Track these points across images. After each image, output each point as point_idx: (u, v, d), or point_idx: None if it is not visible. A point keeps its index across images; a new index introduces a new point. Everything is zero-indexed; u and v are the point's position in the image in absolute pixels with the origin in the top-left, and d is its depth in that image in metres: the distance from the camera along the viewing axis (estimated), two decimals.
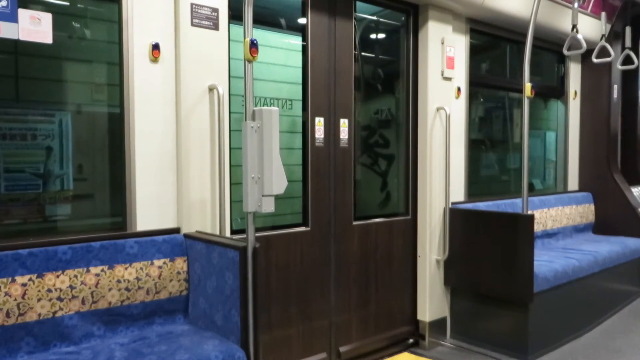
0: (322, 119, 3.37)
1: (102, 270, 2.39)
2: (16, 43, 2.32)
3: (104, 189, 2.72)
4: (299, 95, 3.35)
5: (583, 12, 4.80)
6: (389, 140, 4.03)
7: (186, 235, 2.67)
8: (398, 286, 3.89)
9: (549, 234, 4.86)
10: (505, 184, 5.14)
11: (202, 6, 2.69)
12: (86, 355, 2.18)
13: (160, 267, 2.55)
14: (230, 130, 2.87)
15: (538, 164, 5.52)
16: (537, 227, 4.65)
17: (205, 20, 2.71)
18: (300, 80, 3.34)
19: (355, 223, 3.58)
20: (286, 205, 3.33)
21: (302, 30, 3.34)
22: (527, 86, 3.59)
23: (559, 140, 5.54)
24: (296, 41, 3.36)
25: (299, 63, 3.33)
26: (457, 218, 3.94)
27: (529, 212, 3.79)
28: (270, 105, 3.23)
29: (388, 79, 4.06)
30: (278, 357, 3.20)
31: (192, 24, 2.67)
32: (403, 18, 3.93)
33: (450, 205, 3.96)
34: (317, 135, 3.35)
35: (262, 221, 3.13)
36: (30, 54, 2.43)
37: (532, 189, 5.17)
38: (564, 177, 5.50)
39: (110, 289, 2.41)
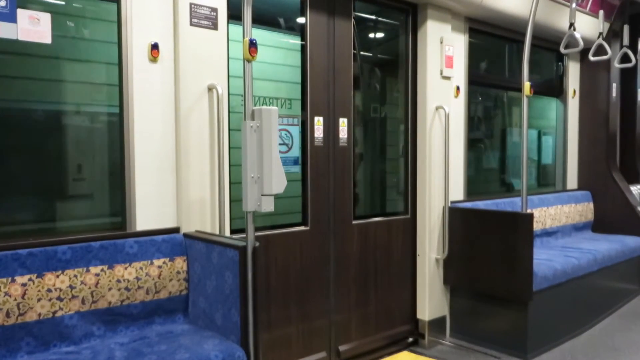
0: (321, 119, 3.37)
1: (102, 270, 2.39)
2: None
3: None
4: (296, 95, 3.35)
5: (582, 10, 4.80)
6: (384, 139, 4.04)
7: (186, 235, 2.67)
8: (397, 285, 3.89)
9: (548, 233, 4.87)
10: (484, 185, 4.93)
11: (201, 6, 2.69)
12: (86, 355, 2.19)
13: (160, 267, 2.55)
14: (229, 130, 2.87)
15: (518, 163, 5.37)
16: (537, 226, 4.66)
17: (204, 20, 2.71)
18: (296, 79, 3.33)
19: (354, 222, 3.58)
20: (283, 205, 3.33)
21: (297, 29, 3.34)
22: (526, 85, 3.59)
23: (558, 139, 5.54)
24: (290, 39, 3.34)
25: (294, 62, 3.32)
26: (456, 217, 3.94)
27: (528, 210, 3.79)
28: (269, 104, 3.23)
29: (387, 77, 4.07)
30: (278, 356, 3.20)
31: (191, 24, 2.67)
32: (402, 17, 3.94)
33: (449, 204, 3.96)
34: (316, 135, 3.35)
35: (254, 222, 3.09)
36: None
37: (511, 190, 5.06)
38: (563, 175, 5.50)
39: (110, 289, 2.41)
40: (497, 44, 4.92)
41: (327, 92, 3.40)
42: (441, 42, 3.89)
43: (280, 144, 2.99)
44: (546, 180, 5.55)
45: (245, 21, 2.25)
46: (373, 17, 3.96)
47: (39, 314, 2.22)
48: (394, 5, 3.84)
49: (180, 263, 2.62)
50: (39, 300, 2.22)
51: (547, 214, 4.84)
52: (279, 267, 3.18)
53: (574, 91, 5.47)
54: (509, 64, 5.08)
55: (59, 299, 2.27)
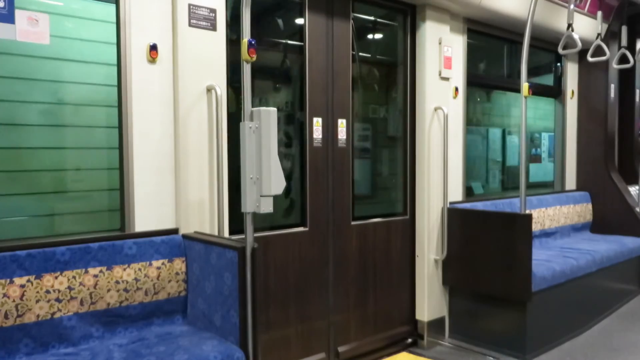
0: (320, 119, 3.37)
1: (101, 271, 2.39)
2: None
3: None
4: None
5: (580, 11, 4.81)
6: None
7: (184, 236, 2.66)
8: (396, 286, 3.89)
9: (547, 233, 4.87)
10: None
11: (200, 7, 2.69)
12: (85, 357, 2.18)
13: (158, 268, 2.55)
14: (228, 131, 2.87)
15: (479, 165, 4.97)
16: (535, 227, 4.66)
17: (202, 20, 2.71)
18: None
19: (353, 223, 3.58)
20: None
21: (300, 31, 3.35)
22: (525, 86, 3.60)
23: (557, 139, 5.55)
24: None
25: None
26: (455, 218, 3.94)
27: (527, 211, 3.80)
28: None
29: (385, 78, 4.07)
30: (277, 357, 3.20)
31: (190, 25, 2.67)
32: (401, 18, 3.94)
33: (448, 205, 3.96)
34: (315, 136, 3.35)
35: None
36: None
37: (470, 194, 4.59)
38: (562, 176, 5.51)
39: (108, 290, 2.40)
40: (495, 44, 4.93)
41: (325, 93, 3.40)
42: (440, 43, 3.90)
43: None
44: (513, 183, 5.18)
45: (244, 22, 2.26)
46: (372, 18, 3.96)
47: (38, 316, 2.22)
48: (392, 6, 3.85)
49: (179, 264, 2.62)
50: (37, 301, 2.22)
51: (545, 215, 4.85)
52: (278, 268, 3.18)
53: (572, 92, 5.47)
54: (508, 65, 5.08)
55: (58, 300, 2.27)
